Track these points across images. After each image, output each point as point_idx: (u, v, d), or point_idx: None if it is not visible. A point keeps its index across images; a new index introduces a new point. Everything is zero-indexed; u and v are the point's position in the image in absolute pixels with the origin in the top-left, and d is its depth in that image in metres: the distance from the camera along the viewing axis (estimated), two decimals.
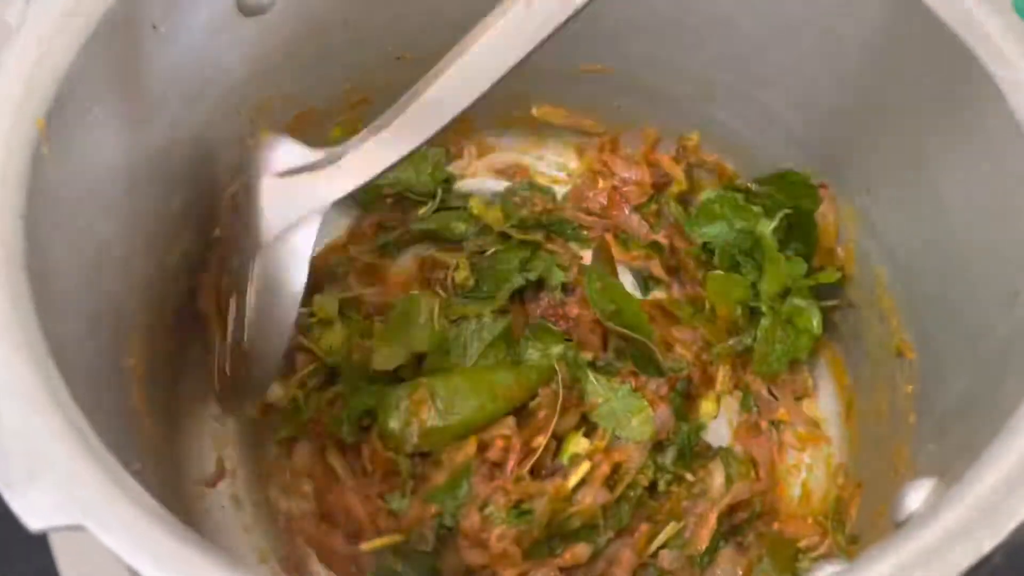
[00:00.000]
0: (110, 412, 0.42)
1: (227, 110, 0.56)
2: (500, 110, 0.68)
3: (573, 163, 0.71)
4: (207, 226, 0.57)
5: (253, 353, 0.51)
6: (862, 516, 0.53)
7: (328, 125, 0.63)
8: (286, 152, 0.51)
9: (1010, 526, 0.31)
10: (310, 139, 0.62)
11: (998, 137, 0.44)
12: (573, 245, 0.68)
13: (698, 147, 0.66)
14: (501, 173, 0.71)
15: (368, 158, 0.49)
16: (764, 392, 0.62)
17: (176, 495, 0.52)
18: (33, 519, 0.29)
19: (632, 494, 0.57)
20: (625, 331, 0.60)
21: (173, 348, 0.55)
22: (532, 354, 0.60)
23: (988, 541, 0.30)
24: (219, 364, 0.55)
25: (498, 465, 0.56)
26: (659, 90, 0.64)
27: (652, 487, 0.58)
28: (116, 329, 0.47)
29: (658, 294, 0.67)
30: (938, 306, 0.50)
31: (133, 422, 0.46)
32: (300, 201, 0.50)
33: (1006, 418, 0.35)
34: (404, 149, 0.48)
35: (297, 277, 0.49)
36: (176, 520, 0.31)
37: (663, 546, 0.57)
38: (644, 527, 0.57)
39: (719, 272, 0.61)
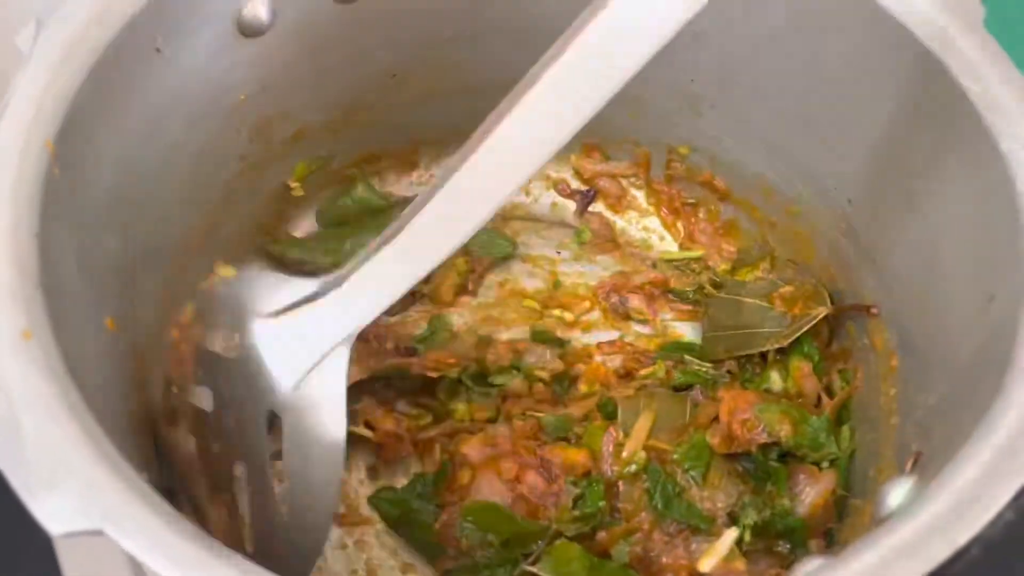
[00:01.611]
0: (123, 423, 0.43)
1: (227, 129, 0.57)
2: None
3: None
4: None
5: (297, 524, 0.44)
6: (845, 515, 0.54)
7: (324, 142, 0.65)
8: (270, 287, 0.45)
9: (984, 520, 0.32)
10: (305, 159, 0.64)
11: (974, 150, 0.45)
12: None
13: (687, 159, 0.68)
14: None
15: (379, 280, 0.41)
16: None
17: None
18: (54, 525, 0.31)
19: None
20: None
21: None
22: None
23: (964, 535, 0.32)
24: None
25: None
26: (646, 103, 0.65)
27: None
28: (124, 343, 0.48)
29: None
30: (919, 311, 0.51)
31: (142, 433, 0.47)
32: (310, 342, 0.43)
33: (982, 417, 0.36)
34: (423, 265, 0.40)
35: (337, 428, 0.42)
36: (191, 524, 0.32)
37: None
38: None
39: None
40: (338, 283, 0.42)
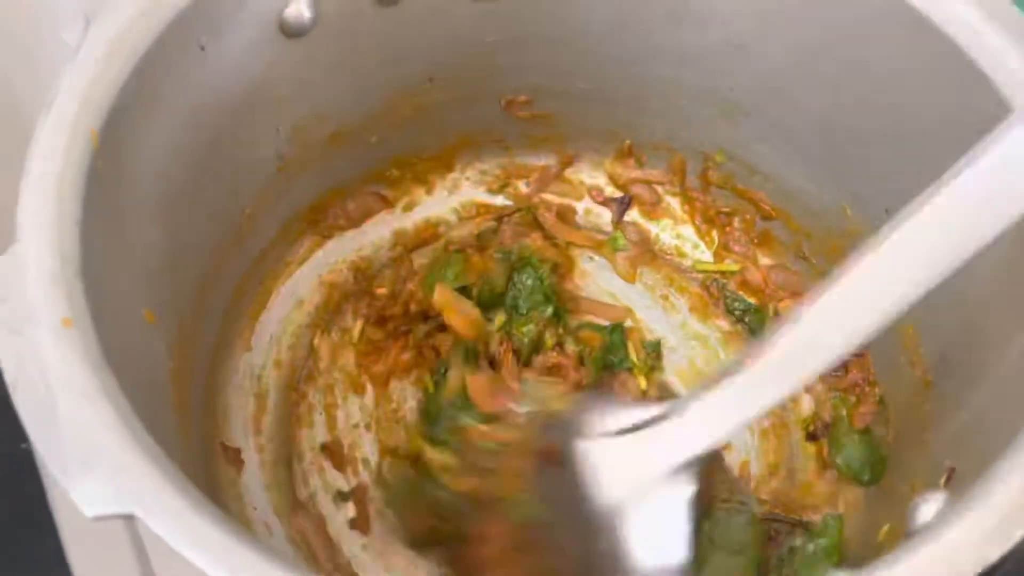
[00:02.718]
0: (155, 412, 0.44)
1: (266, 127, 0.58)
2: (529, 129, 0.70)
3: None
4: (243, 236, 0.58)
5: None
6: (877, 529, 0.54)
7: (361, 142, 0.65)
8: (615, 413, 0.46)
9: (1016, 537, 0.32)
10: (345, 158, 0.65)
11: None
12: None
13: (723, 167, 0.67)
14: None
15: (724, 408, 0.40)
16: None
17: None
18: (88, 507, 0.32)
19: None
20: None
21: (213, 354, 0.57)
22: None
23: (995, 551, 0.31)
24: None
25: None
26: (683, 110, 0.65)
27: None
28: (160, 334, 0.49)
29: None
30: (956, 326, 0.51)
31: (172, 423, 0.48)
32: (646, 465, 0.43)
33: (1017, 433, 0.36)
34: (769, 398, 0.40)
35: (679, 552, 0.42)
36: (219, 511, 0.32)
37: None
38: None
39: None
40: (678, 411, 0.42)
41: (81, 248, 0.39)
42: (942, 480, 0.43)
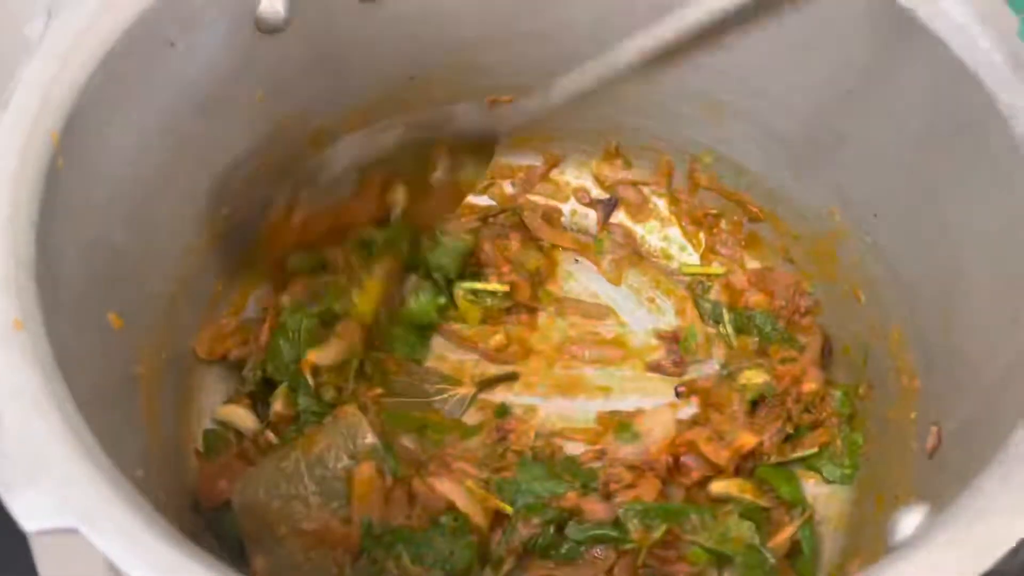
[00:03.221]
0: (116, 419, 0.43)
1: (242, 126, 0.57)
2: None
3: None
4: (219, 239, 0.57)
5: None
6: (862, 539, 0.53)
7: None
8: None
9: (996, 555, 0.30)
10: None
11: (1002, 163, 0.44)
12: None
13: (710, 168, 0.66)
14: None
15: None
16: None
17: (180, 501, 0.52)
18: (29, 521, 0.30)
19: None
20: None
21: (184, 355, 0.56)
22: None
23: (974, 569, 0.30)
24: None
25: None
26: (669, 110, 0.64)
27: None
28: (125, 340, 0.48)
29: None
30: (943, 330, 0.50)
31: (139, 429, 0.47)
32: None
33: (1000, 446, 0.34)
34: None
35: None
36: (170, 525, 0.31)
37: None
38: None
39: None
40: None
41: (36, 250, 0.38)
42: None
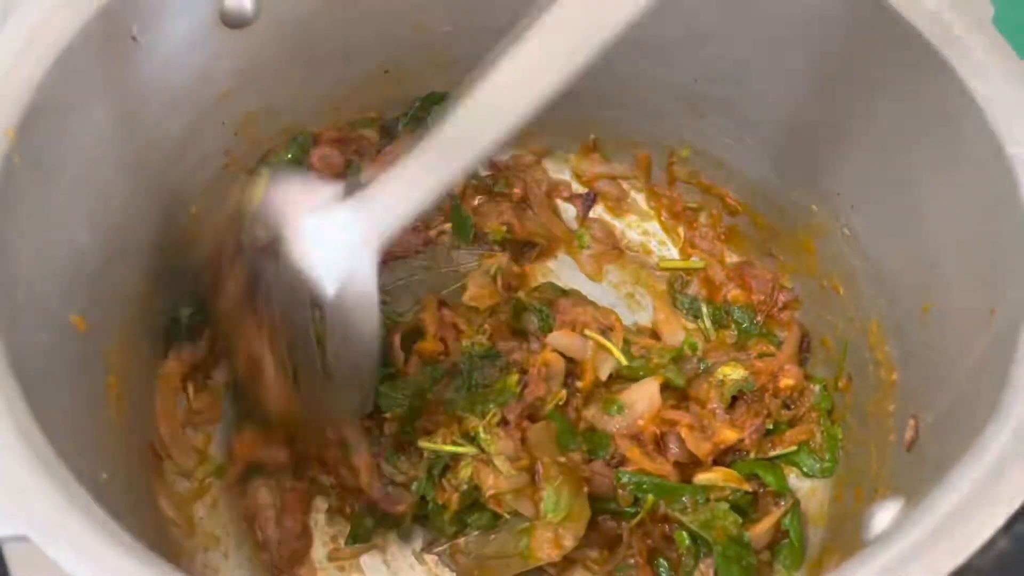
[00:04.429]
0: (79, 424, 0.42)
1: (211, 121, 0.56)
2: None
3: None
4: (187, 239, 0.56)
5: (336, 390, 0.52)
6: (841, 535, 0.52)
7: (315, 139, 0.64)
8: (303, 190, 0.49)
9: (969, 549, 0.30)
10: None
11: (978, 153, 0.44)
12: None
13: (688, 161, 0.66)
14: None
15: (402, 185, 0.46)
16: None
17: (146, 504, 0.52)
18: None
19: None
20: None
21: (152, 362, 0.55)
22: None
23: (946, 563, 0.30)
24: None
25: None
26: (647, 103, 0.64)
27: None
28: (91, 342, 0.47)
29: None
30: (920, 323, 0.49)
31: (105, 433, 0.46)
32: (346, 238, 0.47)
33: (974, 439, 0.34)
34: (443, 176, 0.45)
35: (371, 326, 0.49)
36: (124, 532, 0.30)
37: None
38: None
39: None
40: (363, 186, 0.47)
41: None
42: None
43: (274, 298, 0.51)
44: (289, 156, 0.63)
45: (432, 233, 0.68)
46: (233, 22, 0.53)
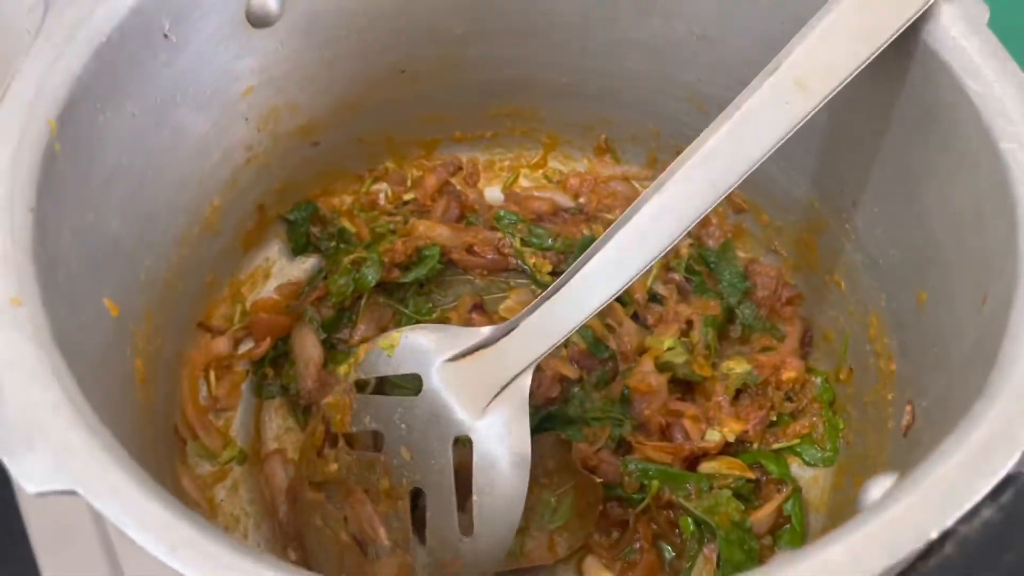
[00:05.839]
0: (113, 402, 0.44)
1: (234, 117, 0.58)
2: (509, 124, 0.71)
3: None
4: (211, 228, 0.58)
5: (486, 533, 0.51)
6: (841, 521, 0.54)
7: (333, 134, 0.65)
8: (448, 337, 0.53)
9: (955, 515, 0.32)
10: (317, 149, 0.65)
11: (972, 148, 0.45)
12: None
13: None
14: None
15: (546, 324, 0.49)
16: None
17: (170, 486, 0.54)
18: (30, 484, 0.32)
19: None
20: None
21: (176, 349, 0.57)
22: None
23: (934, 528, 0.32)
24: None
25: None
26: (655, 106, 0.65)
27: None
28: (121, 325, 0.49)
29: None
30: (918, 313, 0.51)
31: (134, 414, 0.48)
32: (491, 378, 0.51)
33: (961, 416, 0.36)
34: (580, 314, 0.48)
35: (522, 443, 0.50)
36: (163, 488, 0.32)
37: None
38: None
39: None
40: (509, 330, 0.51)
41: (34, 232, 0.39)
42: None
43: (413, 440, 0.53)
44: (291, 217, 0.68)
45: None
46: (258, 22, 0.55)
